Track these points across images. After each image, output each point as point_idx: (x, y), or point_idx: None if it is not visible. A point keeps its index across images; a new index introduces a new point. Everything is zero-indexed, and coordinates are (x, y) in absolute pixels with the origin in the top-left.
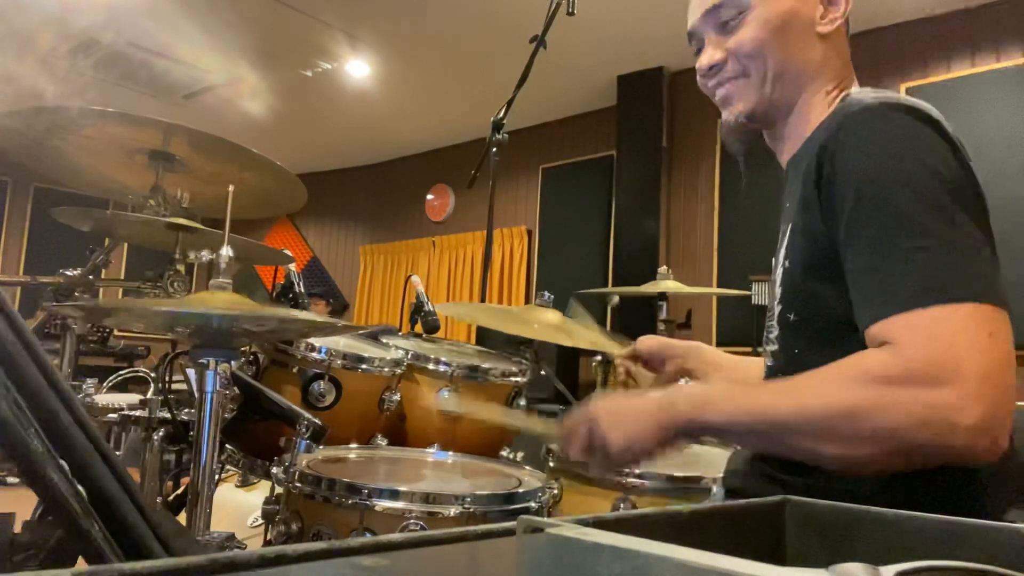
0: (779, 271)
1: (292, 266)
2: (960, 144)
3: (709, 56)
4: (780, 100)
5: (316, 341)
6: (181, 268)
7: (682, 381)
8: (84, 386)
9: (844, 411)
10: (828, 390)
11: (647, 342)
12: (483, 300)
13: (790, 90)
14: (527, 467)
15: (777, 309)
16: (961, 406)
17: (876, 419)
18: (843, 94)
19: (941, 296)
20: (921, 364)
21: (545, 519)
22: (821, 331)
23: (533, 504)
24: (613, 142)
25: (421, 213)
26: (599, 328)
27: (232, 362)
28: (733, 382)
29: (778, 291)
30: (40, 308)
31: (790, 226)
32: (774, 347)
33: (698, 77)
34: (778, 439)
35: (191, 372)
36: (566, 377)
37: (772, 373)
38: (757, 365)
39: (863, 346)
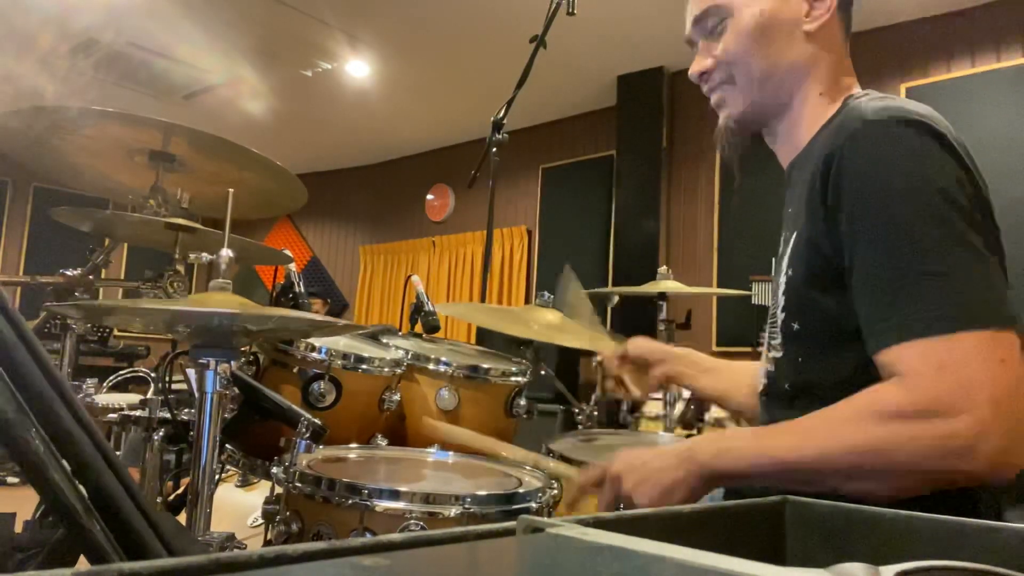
0: (782, 279)
1: (292, 266)
2: (967, 154)
3: (699, 64)
4: (770, 102)
5: (316, 341)
6: (180, 268)
7: (675, 390)
8: (84, 386)
9: (865, 451)
10: (846, 431)
11: (637, 345)
12: (483, 300)
13: (780, 91)
14: (527, 467)
15: (780, 317)
16: (977, 435)
17: (896, 456)
18: (845, 96)
19: (951, 325)
20: (934, 396)
21: (545, 519)
22: (825, 340)
23: (533, 504)
24: (613, 142)
25: (421, 213)
26: (591, 309)
27: (232, 362)
28: (750, 429)
29: (781, 299)
30: (43, 309)
31: (794, 234)
32: (777, 354)
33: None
34: (802, 481)
35: (191, 372)
36: (566, 377)
37: (773, 379)
38: (749, 369)
39: (866, 356)
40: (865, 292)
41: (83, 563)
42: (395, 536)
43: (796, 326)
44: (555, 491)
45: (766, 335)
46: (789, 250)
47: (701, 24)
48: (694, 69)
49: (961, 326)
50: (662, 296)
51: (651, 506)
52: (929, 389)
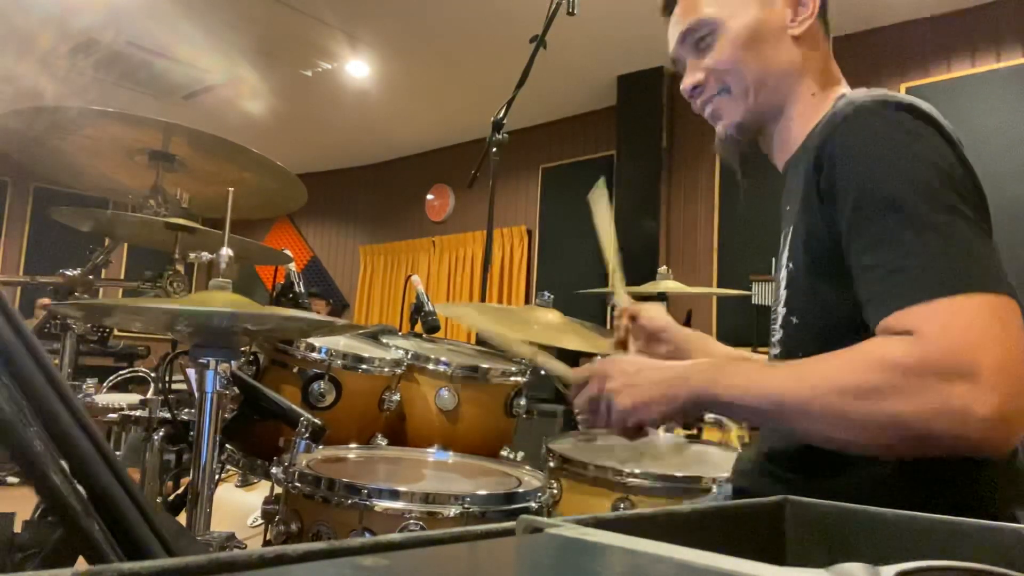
0: (783, 274)
1: (292, 266)
2: (957, 140)
3: (691, 78)
4: (766, 107)
5: (316, 341)
6: (180, 268)
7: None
8: (84, 386)
9: (859, 395)
10: (844, 373)
11: (651, 316)
12: (483, 300)
13: (774, 96)
14: (527, 467)
15: (781, 312)
16: (977, 397)
17: (891, 405)
18: (838, 95)
19: (954, 287)
20: (939, 354)
21: (545, 519)
22: (824, 334)
23: (533, 504)
24: (613, 142)
25: (421, 213)
26: (612, 229)
27: (232, 362)
28: (747, 359)
29: (782, 294)
30: (39, 307)
31: (792, 228)
32: (778, 350)
33: (688, 99)
34: (789, 419)
35: (191, 372)
36: None
37: None
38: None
39: None
40: (865, 268)
41: (82, 563)
42: (395, 536)
43: (795, 320)
44: (555, 491)
45: (771, 333)
46: (788, 245)
47: (688, 39)
48: (687, 83)
49: (964, 289)
50: (662, 296)
51: (629, 410)
52: (934, 346)
